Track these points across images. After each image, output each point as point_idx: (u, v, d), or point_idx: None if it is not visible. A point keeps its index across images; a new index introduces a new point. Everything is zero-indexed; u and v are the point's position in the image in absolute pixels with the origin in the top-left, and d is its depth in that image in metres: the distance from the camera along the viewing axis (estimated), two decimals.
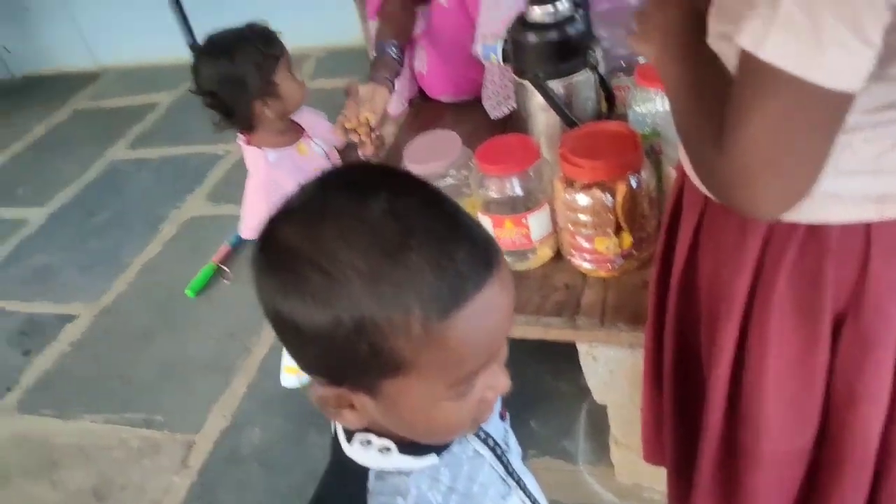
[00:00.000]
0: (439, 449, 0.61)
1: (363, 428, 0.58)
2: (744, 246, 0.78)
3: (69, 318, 2.40)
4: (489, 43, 1.42)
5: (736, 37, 0.61)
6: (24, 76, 4.40)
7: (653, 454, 1.18)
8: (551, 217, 1.28)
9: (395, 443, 0.58)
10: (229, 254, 2.46)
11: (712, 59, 0.72)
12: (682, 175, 0.90)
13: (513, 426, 1.55)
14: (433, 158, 1.32)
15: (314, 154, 1.51)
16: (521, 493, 0.71)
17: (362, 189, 0.48)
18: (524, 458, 1.63)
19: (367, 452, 0.59)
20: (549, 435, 1.66)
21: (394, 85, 1.51)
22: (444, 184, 1.33)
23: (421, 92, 1.90)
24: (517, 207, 1.25)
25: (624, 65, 1.46)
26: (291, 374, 1.67)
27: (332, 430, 0.63)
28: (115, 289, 2.48)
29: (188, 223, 2.75)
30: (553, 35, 1.28)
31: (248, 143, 1.47)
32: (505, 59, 1.38)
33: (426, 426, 0.55)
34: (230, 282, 2.38)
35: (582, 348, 1.25)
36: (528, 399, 1.75)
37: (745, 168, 0.62)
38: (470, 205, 1.33)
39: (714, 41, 0.73)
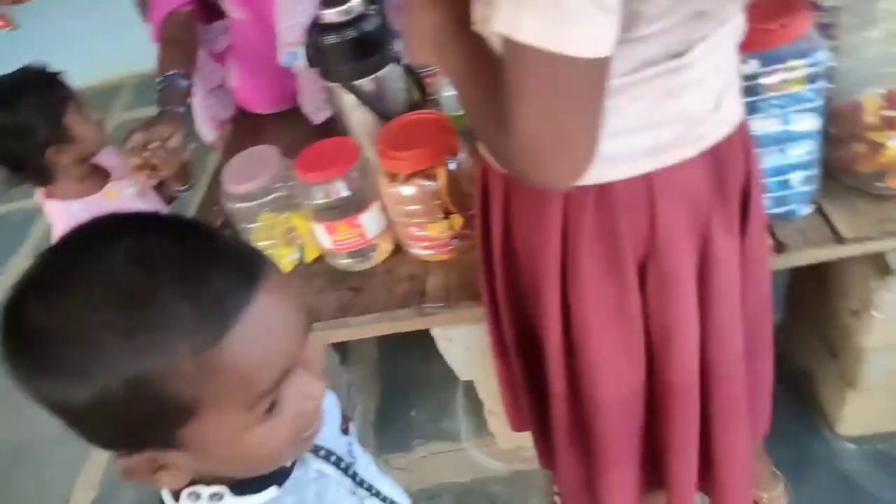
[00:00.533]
0: (279, 479, 0.59)
1: (187, 483, 0.55)
2: (547, 215, 0.84)
3: None
4: (290, 50, 1.40)
5: (492, 24, 0.64)
6: None
7: (517, 422, 1.24)
8: (383, 213, 1.29)
9: (228, 485, 0.56)
10: None
11: (482, 47, 0.76)
12: (483, 159, 0.95)
13: (394, 418, 1.54)
14: (253, 176, 1.28)
15: (125, 197, 1.42)
16: (375, 500, 0.71)
17: (99, 245, 0.46)
18: (409, 450, 1.65)
19: None
20: (430, 420, 1.69)
21: (187, 114, 1.43)
22: (272, 199, 1.31)
23: (241, 109, 1.85)
24: (348, 210, 1.25)
25: None
26: None
27: (159, 492, 0.59)
28: None
29: None
30: (350, 34, 1.29)
31: (48, 196, 1.36)
32: (310, 64, 1.37)
33: (247, 458, 0.53)
34: None
35: (436, 332, 1.28)
36: (404, 389, 1.77)
37: (528, 145, 0.66)
38: (302, 216, 1.32)
39: (480, 26, 0.77)
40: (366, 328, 1.24)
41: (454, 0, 0.79)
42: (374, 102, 1.34)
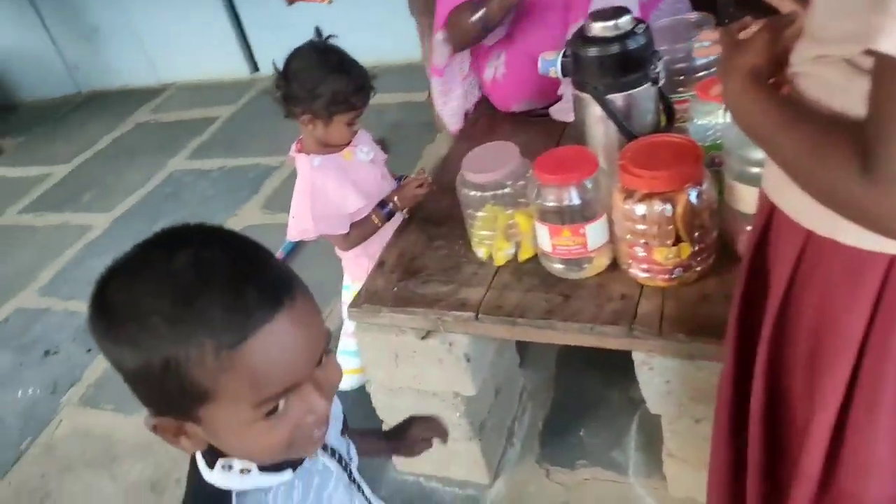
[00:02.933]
0: (294, 465, 0.68)
1: (205, 452, 0.65)
2: (859, 281, 0.73)
3: None
4: (548, 57, 1.45)
5: (870, 44, 0.57)
6: (90, 91, 4.61)
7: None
8: (608, 227, 1.29)
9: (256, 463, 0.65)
10: (283, 261, 2.53)
11: (791, 99, 0.72)
12: (770, 208, 0.84)
13: (561, 435, 1.52)
14: (491, 168, 1.35)
15: (359, 160, 1.56)
16: (361, 496, 0.80)
17: (174, 246, 0.57)
18: (572, 468, 1.63)
19: (228, 476, 0.65)
20: (599, 445, 1.65)
21: None
22: (502, 193, 1.36)
23: (484, 101, 1.93)
24: (574, 217, 1.27)
25: (683, 78, 1.48)
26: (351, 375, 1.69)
27: (191, 462, 0.68)
28: None
29: (244, 231, 2.83)
30: (614, 49, 1.31)
31: (298, 150, 1.53)
32: (565, 73, 1.40)
33: (248, 448, 0.62)
34: None
35: (638, 358, 1.25)
36: (578, 409, 1.75)
37: None
38: (526, 215, 1.36)
39: (807, 66, 0.72)
40: (571, 336, 1.25)
41: (769, 44, 0.77)
42: (621, 119, 1.35)
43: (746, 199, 1.19)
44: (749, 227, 1.23)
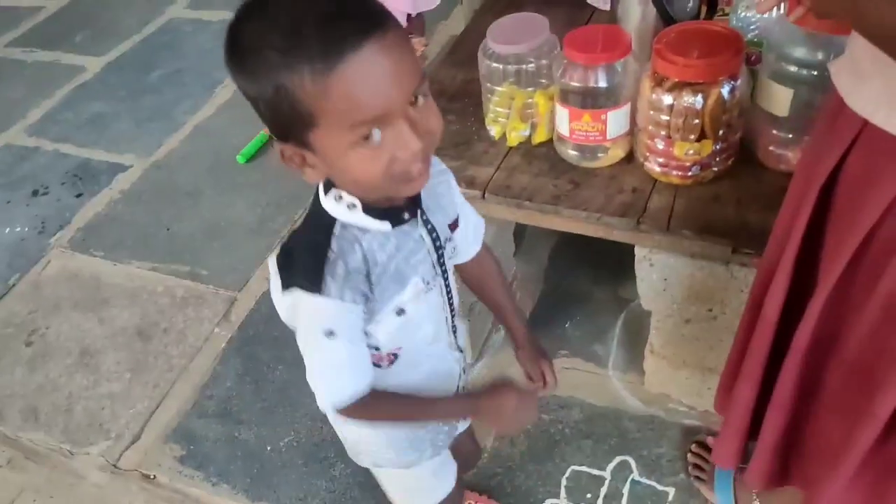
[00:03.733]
0: (395, 221, 0.75)
1: (323, 182, 0.74)
2: None
3: (121, 168, 2.44)
4: None
5: None
6: None
7: (731, 454, 1.12)
8: (630, 117, 1.24)
9: (361, 203, 0.73)
10: None
11: None
12: (859, 130, 0.75)
13: (547, 326, 1.53)
14: (518, 40, 1.27)
15: None
16: (442, 281, 0.85)
17: None
18: (553, 357, 1.67)
19: (337, 205, 0.73)
20: (582, 338, 1.68)
21: None
22: (525, 69, 1.29)
23: None
24: (598, 102, 1.22)
25: None
26: None
27: (315, 190, 0.76)
28: (168, 145, 2.51)
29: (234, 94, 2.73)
30: None
31: None
32: None
33: (349, 174, 0.68)
34: None
35: (640, 252, 1.24)
36: (566, 302, 1.77)
37: None
38: (546, 96, 1.30)
39: None
40: (576, 224, 1.23)
41: None
42: (663, 3, 1.26)
43: (779, 100, 1.14)
44: (775, 131, 1.19)
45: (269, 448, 1.57)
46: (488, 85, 1.34)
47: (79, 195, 2.36)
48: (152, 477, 1.56)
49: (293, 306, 0.75)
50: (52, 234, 2.22)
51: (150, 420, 1.67)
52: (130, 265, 2.07)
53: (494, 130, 1.37)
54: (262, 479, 1.51)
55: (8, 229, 2.26)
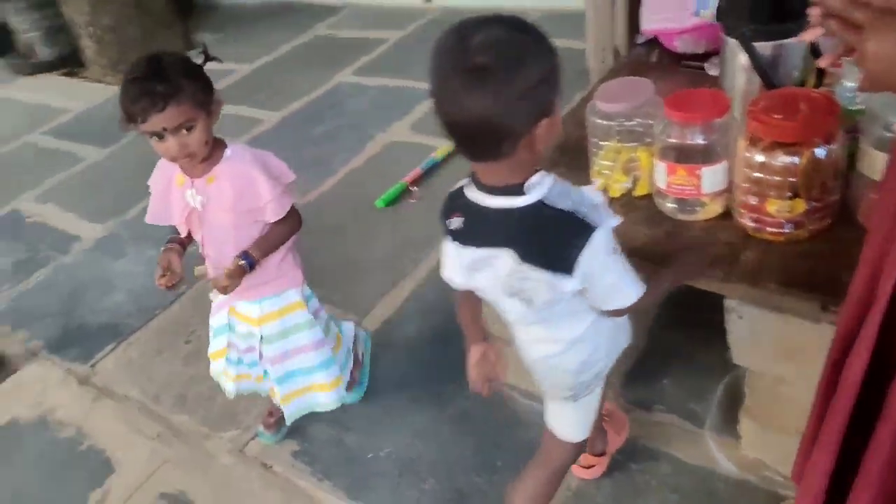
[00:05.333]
0: None
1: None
2: None
3: None
4: None
5: None
6: (281, 2, 5.00)
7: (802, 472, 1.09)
8: (726, 175, 1.30)
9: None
10: (420, 177, 2.71)
11: None
12: None
13: (645, 380, 1.55)
14: (623, 99, 1.39)
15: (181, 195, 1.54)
16: None
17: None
18: (649, 410, 1.69)
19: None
20: (680, 395, 1.69)
21: None
22: (629, 125, 1.40)
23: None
24: (694, 158, 1.30)
25: None
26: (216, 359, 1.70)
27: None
28: (321, 188, 2.84)
29: (390, 146, 3.04)
30: None
31: None
32: (718, 17, 1.40)
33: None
34: (416, 201, 2.62)
35: (729, 304, 1.28)
36: (668, 360, 1.79)
37: None
38: (648, 152, 1.40)
39: None
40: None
41: None
42: (765, 69, 1.33)
43: (879, 166, 1.16)
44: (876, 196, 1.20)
45: (370, 455, 1.72)
46: (594, 140, 1.46)
47: None
48: (270, 466, 1.75)
49: (591, 254, 0.95)
50: None
51: None
52: None
53: (598, 182, 1.48)
54: (361, 482, 1.66)
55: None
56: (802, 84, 1.36)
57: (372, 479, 1.66)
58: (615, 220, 0.99)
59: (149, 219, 1.54)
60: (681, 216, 1.36)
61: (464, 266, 1.09)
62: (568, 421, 1.27)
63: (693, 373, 1.74)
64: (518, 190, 0.96)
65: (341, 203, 2.73)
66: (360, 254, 2.43)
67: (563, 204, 0.96)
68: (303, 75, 3.84)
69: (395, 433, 1.76)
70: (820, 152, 1.16)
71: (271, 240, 1.49)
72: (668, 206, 1.38)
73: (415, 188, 2.67)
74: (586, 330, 1.12)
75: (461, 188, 1.05)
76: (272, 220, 1.45)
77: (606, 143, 1.44)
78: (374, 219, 2.58)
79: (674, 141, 1.29)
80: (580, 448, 1.33)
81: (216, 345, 1.66)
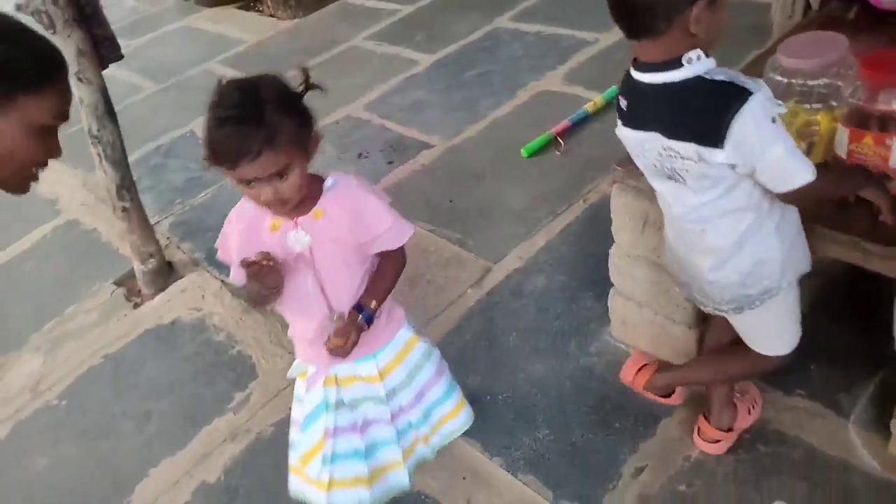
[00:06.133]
0: None
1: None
2: None
3: (427, 146, 2.85)
4: None
5: None
6: None
7: None
8: None
9: None
10: (567, 129, 2.65)
11: None
12: None
13: (792, 365, 1.46)
14: (810, 55, 1.27)
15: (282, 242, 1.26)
16: None
17: None
18: (789, 394, 1.60)
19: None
20: (826, 383, 1.57)
21: None
22: (813, 84, 1.28)
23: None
24: (886, 126, 1.16)
25: None
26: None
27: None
28: (467, 133, 2.86)
29: (541, 95, 2.99)
30: None
31: None
32: None
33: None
34: (560, 153, 2.57)
35: None
36: (815, 345, 1.64)
37: None
38: (830, 116, 1.27)
39: None
40: (832, 247, 1.19)
41: None
42: None
43: None
44: None
45: (488, 397, 1.75)
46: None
47: (390, 163, 2.81)
48: None
49: (746, 120, 0.95)
50: None
51: None
52: (415, 223, 2.42)
53: None
54: (477, 421, 1.69)
55: None
56: None
57: (489, 420, 1.70)
58: (779, 104, 1.00)
59: (222, 255, 1.25)
60: None
61: (632, 149, 1.16)
62: (753, 333, 1.30)
63: (845, 363, 1.61)
64: (675, 64, 0.99)
65: (485, 149, 2.74)
66: (498, 201, 2.44)
67: (721, 76, 0.98)
68: (462, 18, 3.84)
69: (515, 381, 1.78)
70: None
71: (386, 280, 1.24)
72: None
73: (561, 140, 2.61)
74: (747, 230, 1.11)
75: (633, 78, 1.09)
76: (394, 247, 1.21)
77: (783, 103, 1.32)
78: (517, 167, 2.57)
79: (866, 105, 1.16)
80: (775, 362, 1.34)
81: (310, 439, 1.32)
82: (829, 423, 1.49)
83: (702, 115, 0.99)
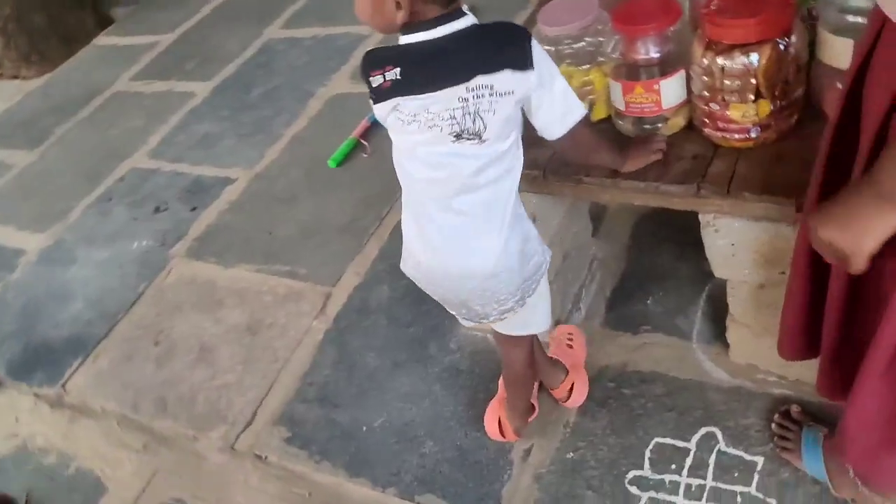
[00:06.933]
0: None
1: None
2: None
3: (229, 181, 2.66)
4: None
5: None
6: None
7: (793, 349, 1.14)
8: (685, 84, 1.23)
9: None
10: (368, 129, 2.59)
11: None
12: (880, 26, 0.75)
13: (628, 302, 1.54)
14: (568, 20, 1.30)
15: None
16: None
17: None
18: (635, 333, 1.67)
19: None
20: (664, 313, 1.67)
21: None
22: (577, 48, 1.32)
23: None
24: (651, 72, 1.22)
25: None
26: None
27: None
28: (268, 157, 2.71)
29: (333, 99, 2.90)
30: None
31: None
32: None
33: None
34: (368, 155, 2.51)
35: (704, 219, 1.23)
36: (648, 279, 1.76)
37: None
38: (601, 73, 1.32)
39: None
40: (636, 195, 1.24)
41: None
42: None
43: (842, 54, 1.10)
44: (840, 84, 1.15)
45: (364, 428, 1.68)
46: None
47: (193, 209, 2.60)
48: (264, 457, 1.71)
49: (538, 48, 1.03)
50: (172, 246, 2.46)
51: (260, 406, 1.83)
52: (239, 268, 2.27)
53: None
54: (359, 457, 1.63)
55: (136, 244, 2.53)
56: None
57: (370, 452, 1.63)
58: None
59: None
60: (643, 136, 1.29)
61: (401, 121, 1.07)
62: (532, 317, 1.28)
63: (674, 288, 1.72)
64: (459, 13, 1.02)
65: (292, 169, 2.61)
66: (320, 220, 2.34)
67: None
68: (230, 35, 3.61)
69: (386, 402, 1.72)
70: (780, 47, 1.09)
71: None
72: (629, 127, 1.31)
73: (365, 142, 2.55)
74: (516, 200, 1.12)
75: (383, 46, 1.06)
76: None
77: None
78: (329, 180, 2.48)
79: (628, 56, 1.21)
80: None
81: None
82: (676, 350, 1.60)
83: (507, 45, 1.02)
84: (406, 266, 1.25)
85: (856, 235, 0.73)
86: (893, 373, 0.89)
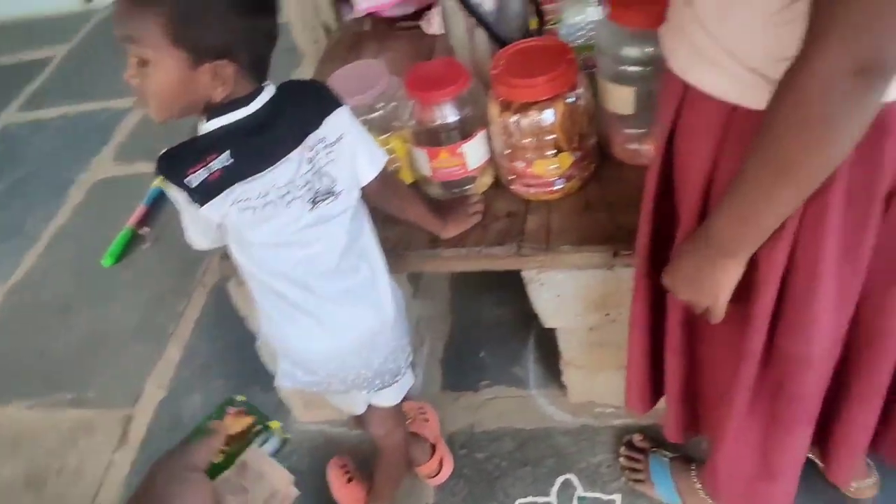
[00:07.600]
0: None
1: None
2: None
3: None
4: None
5: None
6: None
7: (641, 402, 1.15)
8: (487, 144, 1.23)
9: None
10: (146, 214, 2.30)
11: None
12: (682, 91, 0.78)
13: (462, 357, 1.49)
14: (359, 90, 1.23)
15: None
16: None
17: None
18: (476, 390, 1.62)
19: None
20: (500, 364, 1.65)
21: None
22: (373, 117, 1.26)
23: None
24: (452, 137, 1.20)
25: None
26: None
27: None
28: (27, 263, 2.30)
29: (97, 186, 2.56)
30: None
31: None
32: None
33: None
34: (150, 244, 2.23)
35: (528, 275, 1.22)
36: (477, 332, 1.74)
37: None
38: (401, 139, 1.27)
39: None
40: (458, 262, 1.20)
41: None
42: (491, 24, 1.26)
43: (623, 99, 1.16)
44: (626, 129, 1.21)
45: None
46: None
47: None
48: None
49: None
50: None
51: None
52: (7, 408, 1.87)
53: None
54: None
55: None
56: (528, 30, 1.31)
57: None
58: None
59: None
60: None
61: (252, 210, 0.93)
62: (404, 377, 1.23)
63: (503, 336, 1.72)
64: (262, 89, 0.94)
65: (59, 273, 2.24)
66: (102, 329, 2.02)
67: None
68: None
69: None
70: (570, 101, 1.12)
71: None
72: (438, 191, 1.27)
73: (144, 230, 2.26)
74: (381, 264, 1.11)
75: (189, 139, 0.92)
76: None
77: None
78: (107, 281, 2.15)
79: (427, 124, 1.18)
80: None
81: None
82: (518, 400, 1.58)
83: (314, 94, 1.00)
84: (294, 378, 1.14)
85: (710, 292, 0.78)
86: (758, 408, 0.92)
